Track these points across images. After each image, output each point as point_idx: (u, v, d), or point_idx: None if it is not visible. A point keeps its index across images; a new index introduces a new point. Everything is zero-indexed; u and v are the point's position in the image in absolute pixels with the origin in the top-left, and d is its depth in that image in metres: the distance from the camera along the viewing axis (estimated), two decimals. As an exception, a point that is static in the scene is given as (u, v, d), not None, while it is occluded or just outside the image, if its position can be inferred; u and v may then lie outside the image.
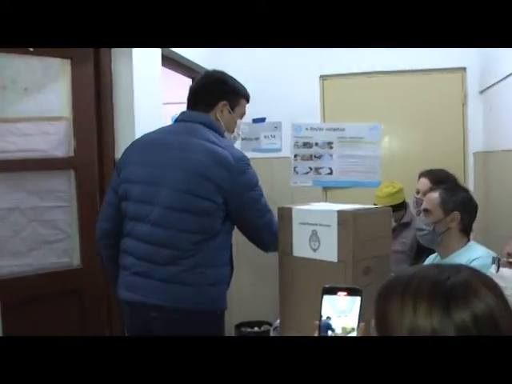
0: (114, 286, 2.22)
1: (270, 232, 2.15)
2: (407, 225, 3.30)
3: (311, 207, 2.08)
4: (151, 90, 3.01)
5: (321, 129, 4.18)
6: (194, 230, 2.00)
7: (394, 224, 3.22)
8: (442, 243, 2.30)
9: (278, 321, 2.21)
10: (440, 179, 2.94)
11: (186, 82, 4.22)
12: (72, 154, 2.70)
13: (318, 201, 3.99)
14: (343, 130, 4.14)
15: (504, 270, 1.68)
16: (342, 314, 1.16)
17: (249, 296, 4.14)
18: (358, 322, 1.16)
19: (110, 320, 2.85)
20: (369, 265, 1.94)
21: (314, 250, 1.98)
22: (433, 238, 2.31)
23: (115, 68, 2.82)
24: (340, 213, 1.91)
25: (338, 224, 1.90)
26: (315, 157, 4.20)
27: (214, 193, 2.00)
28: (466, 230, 2.30)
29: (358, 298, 1.16)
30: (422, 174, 3.16)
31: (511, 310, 0.90)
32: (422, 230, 2.33)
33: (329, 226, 1.93)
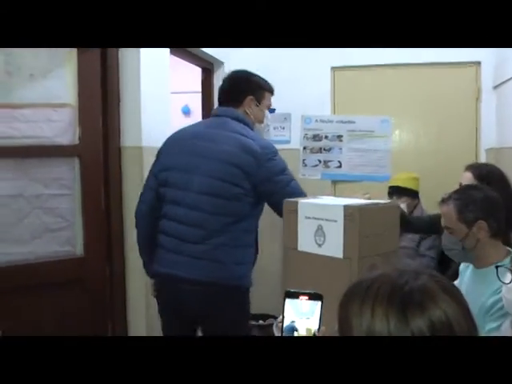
0: (148, 264, 2.44)
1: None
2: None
3: (317, 201, 2.03)
4: (158, 78, 2.97)
5: (331, 121, 4.12)
6: (223, 213, 2.23)
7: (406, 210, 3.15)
8: (478, 257, 2.02)
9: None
10: (483, 175, 2.58)
11: (196, 72, 4.19)
12: (77, 141, 2.67)
13: (327, 194, 3.96)
14: (353, 122, 4.08)
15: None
16: (304, 316, 1.23)
17: (254, 289, 4.10)
18: (319, 325, 1.22)
19: (112, 309, 2.84)
20: (375, 261, 1.89)
21: (320, 246, 1.94)
22: (466, 255, 2.04)
23: (122, 56, 2.78)
24: (346, 207, 1.85)
25: (345, 219, 1.86)
26: (324, 149, 4.14)
27: (242, 179, 2.23)
28: (498, 234, 1.99)
29: (319, 303, 1.23)
30: (467, 168, 2.74)
31: (471, 317, 0.88)
32: (452, 249, 2.07)
33: (335, 220, 1.88)
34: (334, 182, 4.19)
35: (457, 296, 0.88)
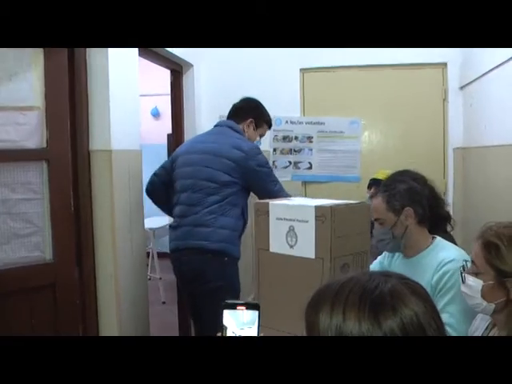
0: None
1: (282, 195, 2.83)
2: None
3: (288, 202, 2.03)
4: (127, 80, 2.94)
5: (301, 122, 4.14)
6: (216, 194, 2.86)
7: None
8: (407, 245, 2.21)
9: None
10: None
11: (165, 74, 4.16)
12: (44, 145, 2.62)
13: (297, 195, 3.97)
14: (323, 123, 4.11)
15: (470, 279, 1.67)
16: (246, 325, 1.26)
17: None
18: (258, 334, 1.26)
19: (83, 315, 2.79)
20: (347, 261, 1.90)
21: (291, 246, 1.94)
22: (396, 244, 2.21)
23: (90, 58, 2.75)
24: (318, 208, 1.86)
25: (316, 219, 1.86)
26: (295, 151, 4.16)
27: (232, 169, 2.87)
28: (424, 221, 2.19)
29: (256, 312, 1.27)
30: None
31: (438, 315, 0.90)
32: (383, 240, 2.22)
33: (306, 221, 1.89)
34: (305, 183, 4.21)
35: (424, 296, 0.90)
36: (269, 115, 3.21)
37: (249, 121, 3.10)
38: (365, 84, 4.12)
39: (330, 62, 4.04)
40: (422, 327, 0.85)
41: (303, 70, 4.18)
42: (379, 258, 2.44)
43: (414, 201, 2.17)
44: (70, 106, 2.68)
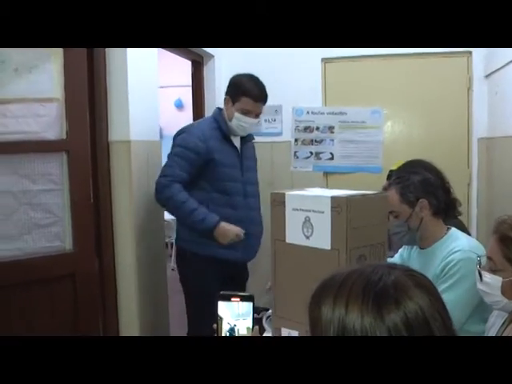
0: None
1: (157, 187, 2.80)
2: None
3: (305, 192, 2.01)
4: (146, 71, 2.95)
5: (322, 113, 4.11)
6: None
7: None
8: (422, 236, 2.18)
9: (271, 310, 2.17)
10: None
11: (188, 65, 4.16)
12: (64, 136, 2.64)
13: (319, 186, 3.95)
14: (345, 113, 4.07)
15: (487, 276, 1.63)
16: (241, 317, 1.31)
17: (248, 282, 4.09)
18: (253, 325, 1.30)
19: (103, 305, 2.82)
20: (364, 253, 1.88)
21: (307, 237, 1.92)
22: (412, 237, 2.19)
23: (109, 49, 2.76)
24: (334, 198, 1.84)
25: (332, 210, 1.84)
26: (316, 141, 4.13)
27: None
28: (439, 212, 2.16)
29: (251, 304, 1.31)
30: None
31: (445, 308, 0.88)
32: (398, 233, 2.20)
33: (322, 212, 1.87)
34: (326, 174, 4.18)
35: (430, 289, 0.87)
36: (249, 86, 2.86)
37: (225, 99, 2.93)
38: (387, 73, 4.06)
39: (351, 52, 3.97)
40: (426, 321, 0.82)
41: (325, 60, 4.14)
42: (400, 250, 2.42)
43: (428, 192, 2.14)
44: (89, 97, 2.70)
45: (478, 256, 1.75)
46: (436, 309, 0.84)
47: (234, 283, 2.86)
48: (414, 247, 2.29)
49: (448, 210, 2.21)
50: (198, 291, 2.83)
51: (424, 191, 2.14)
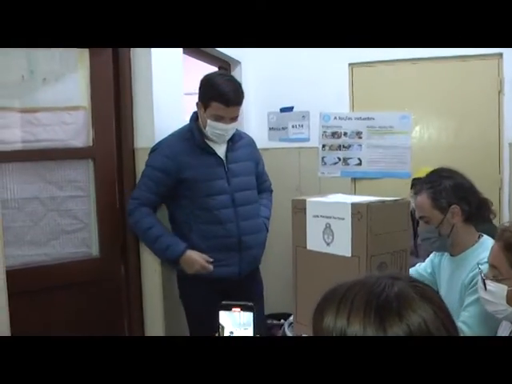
0: None
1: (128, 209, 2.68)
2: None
3: (326, 199, 2.00)
4: (171, 78, 2.98)
5: (350, 118, 4.08)
6: None
7: None
8: (453, 243, 2.12)
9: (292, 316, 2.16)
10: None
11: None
12: (90, 143, 2.68)
13: (347, 192, 3.92)
14: (373, 119, 4.03)
15: (491, 285, 1.60)
16: (243, 327, 1.30)
17: (276, 288, 4.08)
18: (254, 334, 1.29)
19: (128, 309, 2.85)
20: (385, 260, 1.86)
21: (328, 244, 1.92)
22: (443, 243, 2.13)
23: (134, 57, 2.79)
24: (354, 205, 1.83)
25: (352, 217, 1.83)
26: (344, 147, 4.10)
27: None
28: (471, 218, 2.11)
29: (251, 314, 1.30)
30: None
31: (451, 320, 0.85)
32: (429, 238, 2.15)
33: (343, 218, 1.86)
34: (354, 180, 4.15)
35: (435, 301, 0.85)
36: (220, 88, 2.52)
37: (197, 104, 2.64)
38: (415, 78, 4.01)
39: (379, 56, 3.95)
40: (430, 334, 0.80)
41: (352, 65, 4.12)
42: (431, 255, 2.37)
43: (460, 198, 2.10)
44: (114, 104, 2.74)
45: (478, 264, 1.72)
46: (441, 322, 0.82)
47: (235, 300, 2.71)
48: (445, 254, 2.24)
49: (480, 213, 2.16)
50: (194, 314, 2.73)
51: (456, 196, 2.09)
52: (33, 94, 2.55)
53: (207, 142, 2.65)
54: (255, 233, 2.76)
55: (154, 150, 2.63)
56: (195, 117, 2.68)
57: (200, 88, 2.60)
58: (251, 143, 2.89)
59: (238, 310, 1.31)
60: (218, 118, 2.55)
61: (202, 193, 2.60)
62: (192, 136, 2.62)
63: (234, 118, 2.60)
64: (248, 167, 2.79)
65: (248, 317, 1.31)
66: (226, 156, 2.68)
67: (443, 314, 0.84)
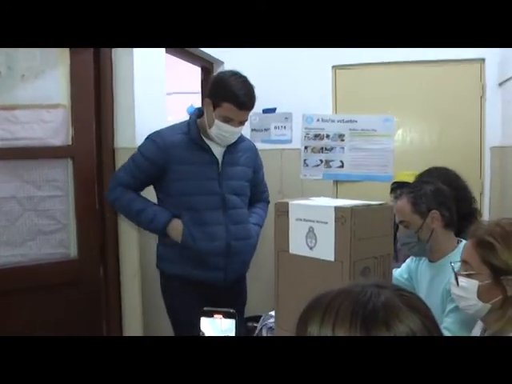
0: None
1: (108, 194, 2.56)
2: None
3: (309, 202, 1.97)
4: (153, 78, 2.94)
5: (332, 120, 4.07)
6: None
7: None
8: (433, 249, 2.12)
9: (264, 316, 2.15)
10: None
11: (195, 72, 4.14)
12: (70, 142, 2.64)
13: (329, 195, 3.91)
14: (355, 121, 4.03)
15: (463, 281, 1.64)
16: (224, 333, 1.27)
17: (257, 290, 4.05)
18: None
19: (107, 311, 2.80)
20: (368, 265, 1.84)
21: (311, 248, 1.88)
22: (422, 248, 2.13)
23: (116, 56, 2.75)
24: (337, 209, 1.80)
25: (336, 221, 1.80)
26: (326, 149, 4.09)
27: None
28: (451, 225, 2.12)
29: (233, 321, 1.26)
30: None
31: (438, 329, 0.83)
32: (408, 243, 2.15)
33: (326, 222, 1.83)
34: (336, 182, 4.14)
35: (422, 310, 0.82)
36: (235, 90, 2.41)
37: (205, 101, 2.50)
38: (398, 81, 4.01)
39: (362, 59, 3.94)
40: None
41: (335, 67, 4.11)
42: (408, 260, 2.37)
43: (440, 203, 2.10)
44: (95, 103, 2.70)
45: (451, 262, 1.74)
46: (428, 331, 0.80)
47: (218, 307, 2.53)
48: (423, 259, 2.24)
49: (467, 220, 2.20)
50: (179, 319, 2.57)
51: (436, 202, 2.10)
52: (11, 91, 2.50)
53: (204, 139, 2.53)
54: (246, 238, 2.63)
55: (147, 138, 2.50)
56: (197, 113, 2.56)
57: (212, 86, 2.48)
58: (252, 149, 2.75)
59: (220, 316, 1.28)
60: (227, 120, 2.43)
61: (187, 191, 2.47)
62: (188, 130, 2.50)
63: (243, 122, 2.51)
64: (243, 172, 2.65)
65: (230, 324, 1.28)
66: (224, 157, 2.56)
67: (430, 323, 0.81)
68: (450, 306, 1.95)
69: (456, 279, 1.66)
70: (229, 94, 2.40)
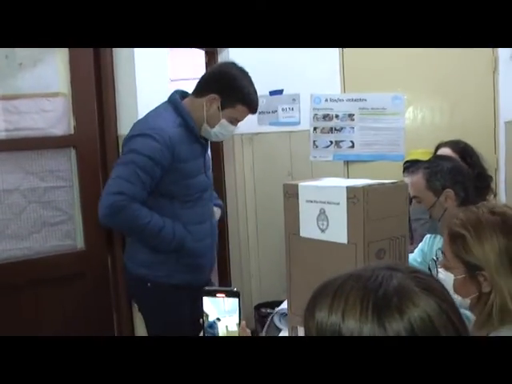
0: None
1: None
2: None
3: (319, 183, 1.90)
4: (155, 64, 2.86)
5: (341, 100, 3.97)
6: None
7: None
8: (444, 226, 2.02)
9: (281, 306, 2.09)
10: (460, 149, 2.74)
11: (199, 56, 4.06)
12: (72, 131, 2.59)
13: (340, 176, 3.82)
14: (365, 100, 3.93)
15: (441, 272, 1.55)
16: (228, 314, 1.26)
17: (269, 276, 4.00)
18: (240, 320, 1.26)
19: (117, 301, 2.75)
20: (383, 247, 1.76)
21: (323, 231, 1.81)
22: (433, 225, 2.08)
23: (115, 40, 2.67)
24: (349, 188, 1.72)
25: (348, 201, 1.73)
26: (336, 129, 4.00)
27: None
28: (465, 204, 1.98)
29: (236, 300, 1.26)
30: (442, 145, 2.91)
31: (458, 313, 0.77)
32: (420, 219, 2.10)
33: (337, 203, 1.76)
34: (347, 163, 4.05)
35: (438, 292, 0.76)
36: (249, 92, 2.30)
37: (211, 97, 2.26)
38: (408, 57, 3.89)
39: (370, 36, 3.83)
40: (435, 331, 0.72)
41: (342, 45, 4.00)
42: (420, 244, 2.29)
43: (456, 182, 2.04)
44: (96, 90, 2.64)
45: (438, 249, 1.67)
46: (446, 315, 0.73)
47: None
48: (438, 237, 2.16)
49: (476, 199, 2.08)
50: (166, 326, 2.33)
51: (452, 180, 2.03)
52: (9, 81, 2.45)
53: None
54: (216, 234, 2.51)
55: (141, 133, 2.19)
56: (179, 100, 2.32)
57: (222, 83, 2.28)
58: None
59: (223, 295, 1.26)
60: (234, 121, 2.33)
61: (190, 189, 2.28)
62: (185, 124, 2.26)
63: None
64: (210, 160, 2.54)
65: (233, 303, 1.26)
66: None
67: (448, 306, 0.75)
68: None
69: (435, 270, 1.58)
70: (245, 97, 2.28)
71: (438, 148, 2.97)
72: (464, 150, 2.68)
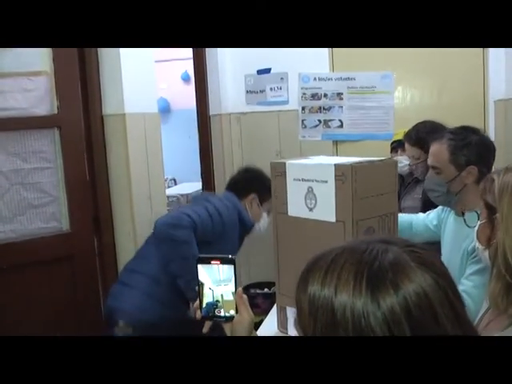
0: None
1: None
2: (421, 180, 3.08)
3: (307, 161, 1.87)
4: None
5: (330, 78, 3.92)
6: None
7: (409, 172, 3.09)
8: (460, 202, 1.94)
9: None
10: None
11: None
12: (55, 111, 2.53)
13: (328, 155, 3.80)
14: (353, 79, 3.88)
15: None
16: (223, 282, 1.23)
17: (259, 256, 3.99)
18: (235, 288, 1.23)
19: (104, 283, 2.73)
20: (372, 225, 1.74)
21: (311, 209, 1.79)
22: (448, 200, 1.96)
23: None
24: (337, 166, 1.70)
25: (336, 179, 1.70)
26: (324, 109, 3.95)
27: None
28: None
29: (232, 267, 1.22)
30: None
31: (457, 293, 0.74)
32: (434, 190, 1.98)
33: (325, 181, 1.73)
34: (336, 143, 4.02)
35: (436, 267, 0.73)
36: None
37: (251, 197, 2.58)
38: (397, 34, 3.86)
39: (358, 13, 3.78)
40: (431, 307, 0.69)
41: (331, 23, 3.95)
42: (438, 209, 2.19)
43: (481, 158, 1.90)
44: (80, 69, 2.59)
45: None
46: (443, 291, 0.70)
47: None
48: (452, 211, 2.06)
49: None
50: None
51: (477, 156, 1.89)
52: (-12, 59, 2.37)
53: None
54: None
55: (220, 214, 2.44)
56: (239, 205, 2.56)
57: (259, 183, 2.56)
58: None
59: (218, 262, 1.23)
60: (269, 211, 2.51)
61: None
62: (243, 223, 2.56)
63: None
64: None
65: (228, 271, 1.23)
66: None
67: (445, 283, 0.72)
68: (472, 268, 1.81)
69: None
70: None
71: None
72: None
